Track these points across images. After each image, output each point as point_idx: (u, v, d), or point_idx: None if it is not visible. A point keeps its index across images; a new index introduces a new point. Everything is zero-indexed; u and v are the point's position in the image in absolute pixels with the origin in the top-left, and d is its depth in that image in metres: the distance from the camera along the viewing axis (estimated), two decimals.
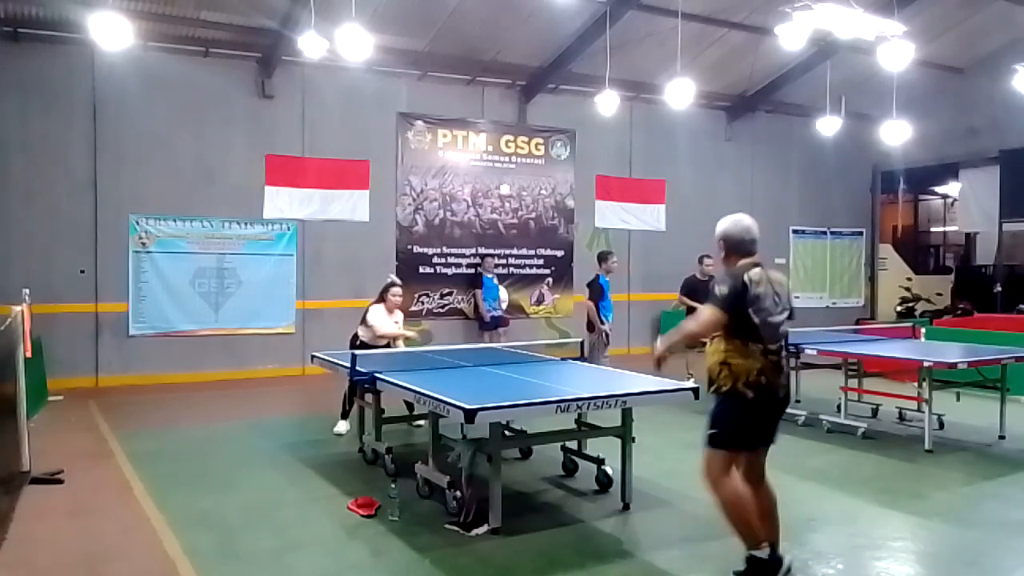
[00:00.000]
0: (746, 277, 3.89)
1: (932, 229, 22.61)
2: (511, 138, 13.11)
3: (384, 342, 7.62)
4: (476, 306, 12.26)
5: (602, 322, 9.39)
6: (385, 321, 7.62)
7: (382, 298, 7.69)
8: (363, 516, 5.13)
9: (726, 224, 4.10)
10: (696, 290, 10.68)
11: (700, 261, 10.76)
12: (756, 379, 3.84)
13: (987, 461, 6.69)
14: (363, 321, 7.64)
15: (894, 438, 7.48)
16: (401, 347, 7.81)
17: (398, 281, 7.98)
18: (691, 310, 10.55)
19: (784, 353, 4.03)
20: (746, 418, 3.88)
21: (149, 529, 4.96)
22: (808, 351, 8.09)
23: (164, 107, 10.65)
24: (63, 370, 9.76)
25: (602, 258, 9.77)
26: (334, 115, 11.67)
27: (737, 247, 4.04)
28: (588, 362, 7.72)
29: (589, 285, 9.62)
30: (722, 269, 4.10)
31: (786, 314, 4.04)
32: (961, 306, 15.67)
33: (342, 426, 7.63)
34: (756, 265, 3.98)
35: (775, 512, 4.03)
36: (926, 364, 6.87)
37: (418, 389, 5.07)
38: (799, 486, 5.93)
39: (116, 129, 10.39)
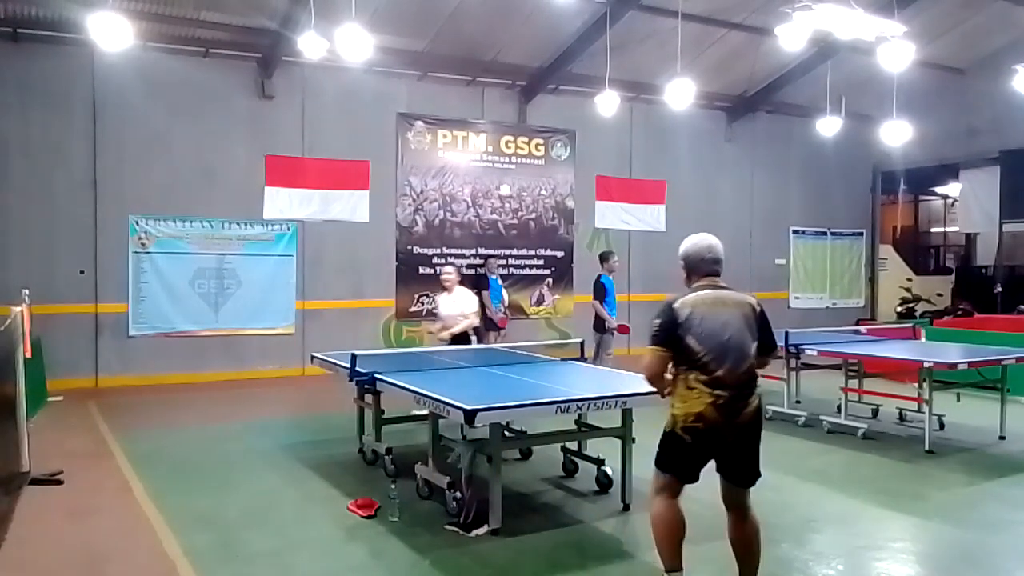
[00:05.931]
0: (677, 303, 3.69)
1: (932, 230, 22.63)
2: (511, 138, 13.10)
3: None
4: (483, 307, 12.17)
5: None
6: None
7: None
8: (363, 517, 5.12)
9: (686, 244, 3.93)
10: None
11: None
12: (694, 424, 3.62)
13: (987, 462, 6.69)
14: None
15: (894, 439, 7.47)
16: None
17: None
18: None
19: (754, 386, 3.70)
20: (683, 455, 3.71)
21: (149, 529, 4.95)
22: (808, 351, 8.12)
23: (164, 107, 10.64)
24: (63, 370, 9.75)
25: (603, 258, 9.90)
26: (334, 115, 11.66)
27: (695, 267, 3.87)
28: (593, 361, 7.75)
29: (594, 285, 9.67)
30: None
31: (748, 341, 3.69)
32: (961, 307, 15.66)
33: None
34: (711, 287, 3.77)
35: (754, 546, 3.80)
36: (926, 365, 6.87)
37: (418, 390, 5.05)
38: (799, 486, 5.93)
39: (116, 129, 10.38)
